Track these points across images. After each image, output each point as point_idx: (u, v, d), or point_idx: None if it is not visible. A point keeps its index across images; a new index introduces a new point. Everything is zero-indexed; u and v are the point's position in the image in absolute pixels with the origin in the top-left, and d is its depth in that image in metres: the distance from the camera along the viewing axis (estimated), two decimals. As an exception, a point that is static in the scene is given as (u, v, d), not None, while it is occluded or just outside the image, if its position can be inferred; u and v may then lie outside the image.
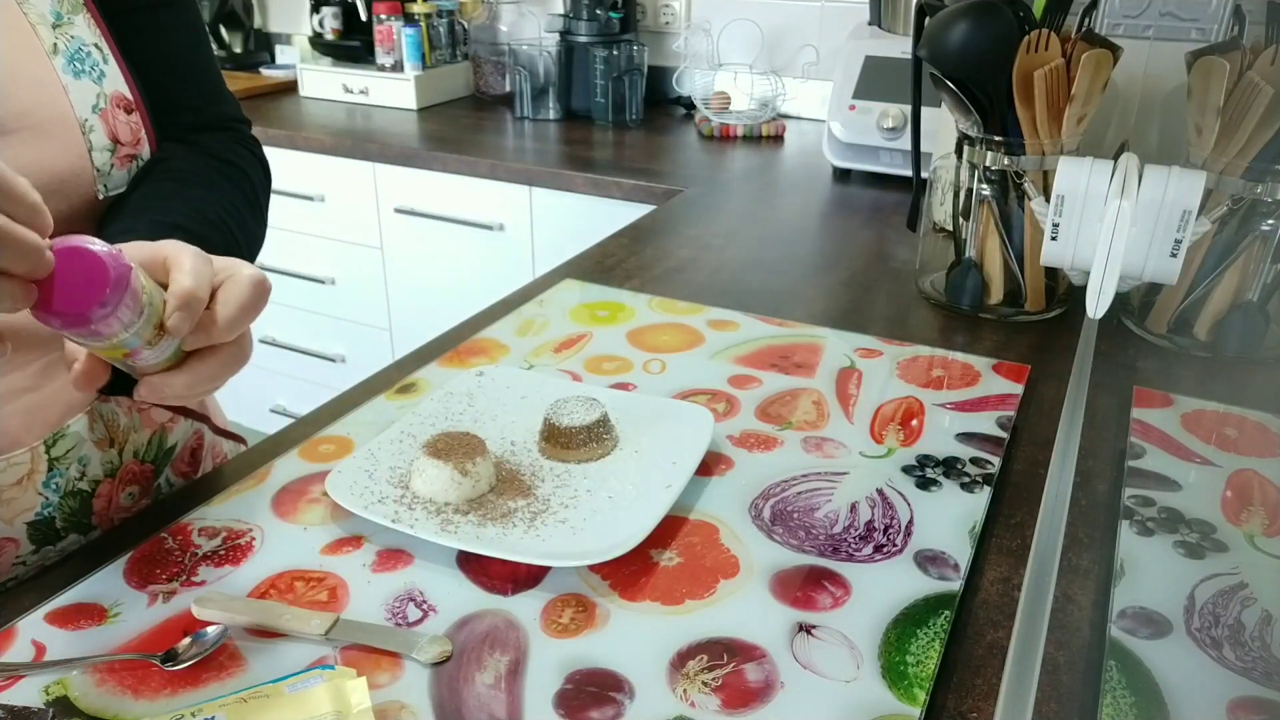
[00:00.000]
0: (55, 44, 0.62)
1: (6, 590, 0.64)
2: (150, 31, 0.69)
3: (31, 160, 0.60)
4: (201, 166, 0.72)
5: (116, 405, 0.72)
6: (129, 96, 0.66)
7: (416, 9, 2.15)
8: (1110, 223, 0.89)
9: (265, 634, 0.59)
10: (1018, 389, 0.89)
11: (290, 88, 2.33)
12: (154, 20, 0.69)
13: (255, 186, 0.77)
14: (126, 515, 0.74)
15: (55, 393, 0.67)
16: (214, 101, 0.77)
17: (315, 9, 2.34)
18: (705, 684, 0.55)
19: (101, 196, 0.65)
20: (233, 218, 0.70)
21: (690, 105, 2.09)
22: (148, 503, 0.76)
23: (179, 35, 0.72)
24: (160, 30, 0.70)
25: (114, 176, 0.65)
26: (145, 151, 0.67)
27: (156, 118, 0.69)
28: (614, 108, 2.04)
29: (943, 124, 1.29)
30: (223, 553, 0.66)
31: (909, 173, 1.25)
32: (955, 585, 0.63)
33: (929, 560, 0.66)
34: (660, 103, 2.20)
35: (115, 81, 0.65)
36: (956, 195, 1.10)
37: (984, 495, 0.73)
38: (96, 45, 0.64)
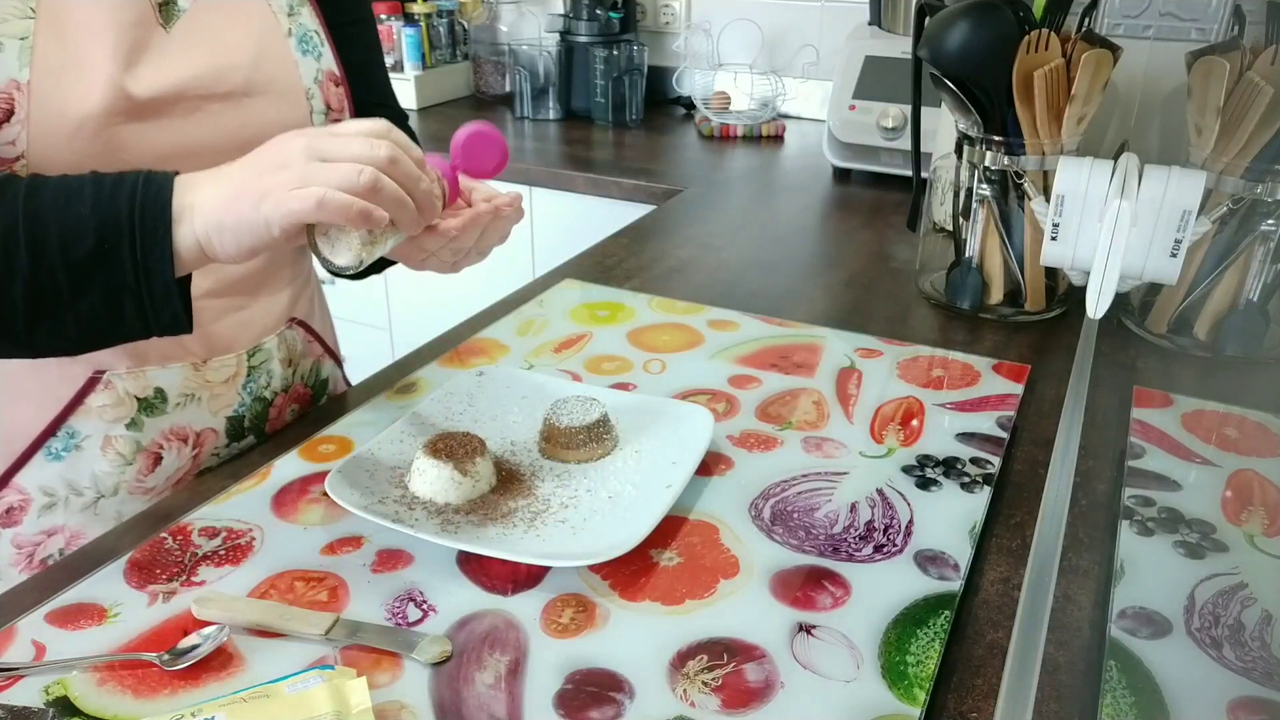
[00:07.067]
0: (289, 29, 0.78)
1: (7, 590, 0.64)
2: (358, 40, 0.85)
3: (273, 119, 0.75)
4: None
5: (295, 333, 0.88)
6: (338, 73, 0.81)
7: (416, 9, 2.15)
8: (1110, 223, 0.89)
9: (265, 634, 0.59)
10: (1018, 389, 0.89)
11: (290, 88, 2.33)
12: (360, 32, 0.86)
13: None
14: (288, 426, 0.87)
15: (258, 313, 0.83)
16: (393, 98, 0.94)
17: (315, 9, 2.34)
18: (705, 684, 0.55)
19: None
20: None
21: (690, 105, 2.09)
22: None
23: (372, 45, 0.89)
24: (362, 40, 0.86)
25: None
26: (347, 118, 0.82)
27: (357, 108, 0.84)
28: (614, 108, 2.04)
29: (943, 124, 1.29)
30: (223, 553, 0.66)
31: (909, 173, 1.25)
32: (955, 585, 0.63)
33: (929, 560, 0.66)
34: (660, 103, 2.20)
35: (328, 61, 0.80)
36: (956, 195, 1.10)
37: (984, 495, 0.73)
38: (316, 31, 0.80)
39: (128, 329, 0.60)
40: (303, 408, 0.91)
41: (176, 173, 0.60)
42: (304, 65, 0.78)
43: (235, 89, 0.73)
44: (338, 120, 0.81)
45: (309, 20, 0.79)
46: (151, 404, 0.77)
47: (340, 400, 0.90)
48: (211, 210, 0.58)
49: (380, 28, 2.16)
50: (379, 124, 0.61)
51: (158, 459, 0.79)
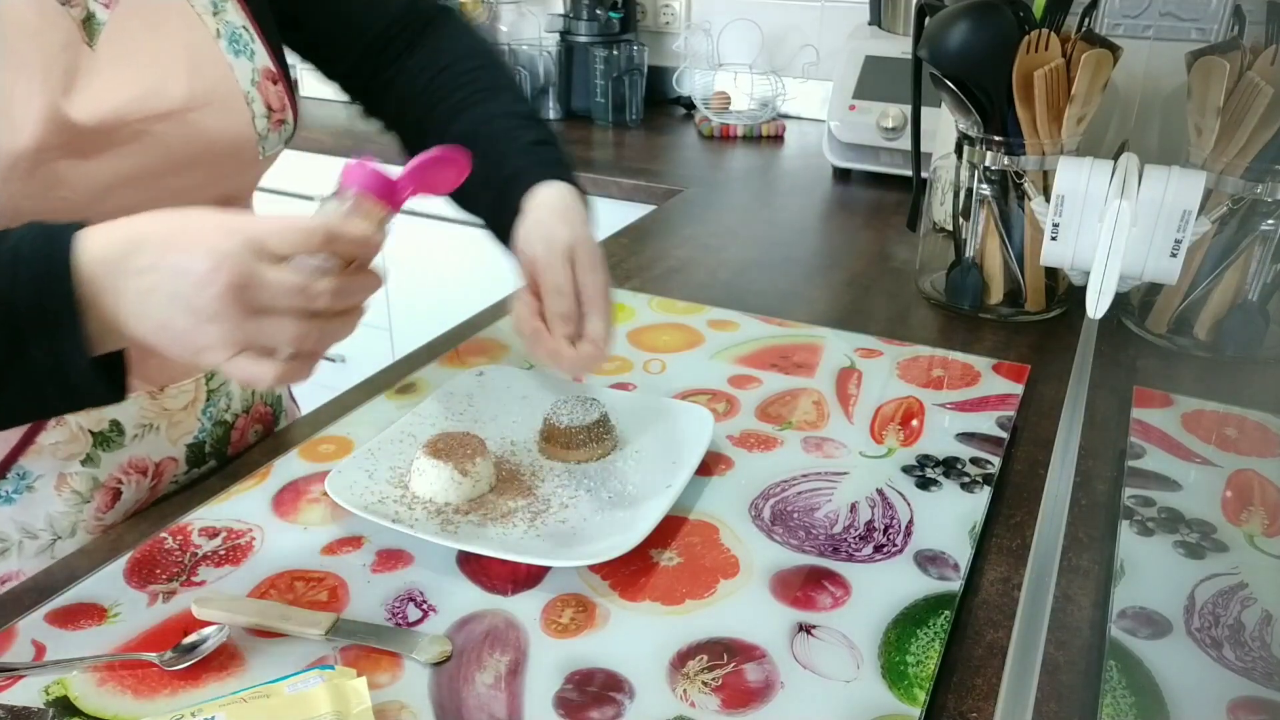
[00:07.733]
0: (218, 30, 0.71)
1: (7, 590, 0.64)
2: None
3: (217, 130, 0.70)
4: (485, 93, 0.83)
5: None
6: (274, 69, 0.75)
7: (416, 9, 2.15)
8: (1110, 223, 0.89)
9: (265, 634, 0.59)
10: (1018, 389, 0.89)
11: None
12: None
13: (506, 68, 0.88)
14: (249, 449, 0.83)
15: None
16: (406, 9, 0.84)
17: (315, 9, 2.33)
18: (705, 684, 0.55)
19: (261, 157, 0.75)
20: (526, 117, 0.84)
21: (690, 105, 2.09)
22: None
23: None
24: None
25: (270, 140, 0.75)
26: (289, 116, 0.76)
27: (375, 56, 0.81)
28: (614, 108, 2.04)
29: (943, 124, 1.29)
30: (223, 553, 0.66)
31: (909, 173, 1.24)
32: (955, 585, 0.63)
33: (929, 560, 0.66)
34: (660, 103, 2.20)
35: (262, 58, 0.74)
36: (956, 195, 1.10)
37: (984, 495, 0.73)
38: (245, 28, 0.73)
39: (57, 410, 0.56)
40: (266, 428, 0.87)
41: (75, 229, 0.51)
42: (239, 68, 0.72)
43: (176, 105, 0.67)
44: (281, 123, 0.75)
45: (235, 16, 0.72)
46: (107, 437, 0.73)
47: (296, 426, 0.86)
48: (142, 337, 0.52)
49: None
50: (312, 235, 0.52)
51: (117, 494, 0.75)
